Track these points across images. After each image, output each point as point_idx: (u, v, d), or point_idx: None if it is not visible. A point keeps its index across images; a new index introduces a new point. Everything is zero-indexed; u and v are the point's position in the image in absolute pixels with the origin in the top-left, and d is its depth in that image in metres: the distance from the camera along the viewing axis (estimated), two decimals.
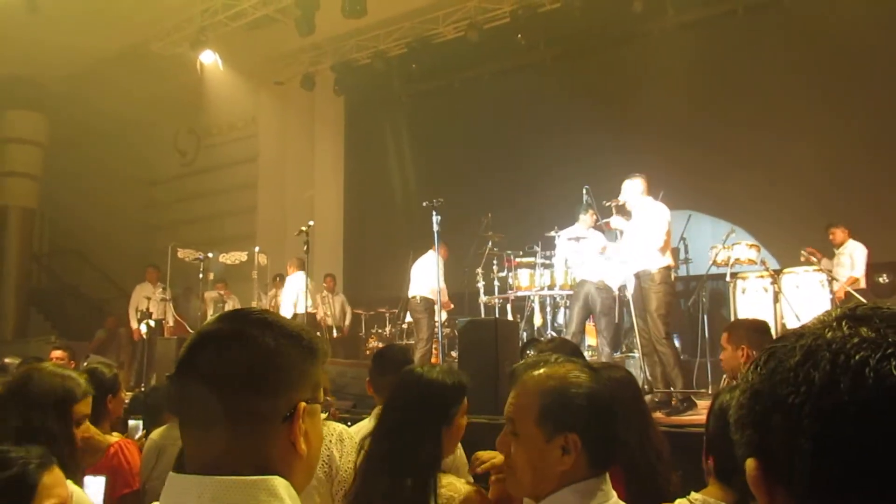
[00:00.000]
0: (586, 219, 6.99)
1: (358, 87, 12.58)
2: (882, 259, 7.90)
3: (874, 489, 0.53)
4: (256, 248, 10.34)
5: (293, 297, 9.52)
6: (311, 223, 8.20)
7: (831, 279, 6.94)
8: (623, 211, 6.05)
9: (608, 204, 5.94)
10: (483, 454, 2.10)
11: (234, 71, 12.13)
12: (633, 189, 5.96)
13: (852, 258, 7.60)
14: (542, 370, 1.58)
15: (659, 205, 5.98)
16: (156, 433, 3.16)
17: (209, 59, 11.47)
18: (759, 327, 3.54)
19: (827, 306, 6.73)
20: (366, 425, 2.72)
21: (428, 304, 8.03)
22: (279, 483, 0.97)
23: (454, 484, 2.04)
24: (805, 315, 6.58)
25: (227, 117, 13.71)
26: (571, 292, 7.65)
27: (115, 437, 2.94)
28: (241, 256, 10.49)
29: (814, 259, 6.97)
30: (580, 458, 1.50)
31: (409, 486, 1.97)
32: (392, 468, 2.02)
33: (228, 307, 10.70)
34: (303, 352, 1.04)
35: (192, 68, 11.55)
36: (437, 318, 7.44)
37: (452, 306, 8.69)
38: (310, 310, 9.04)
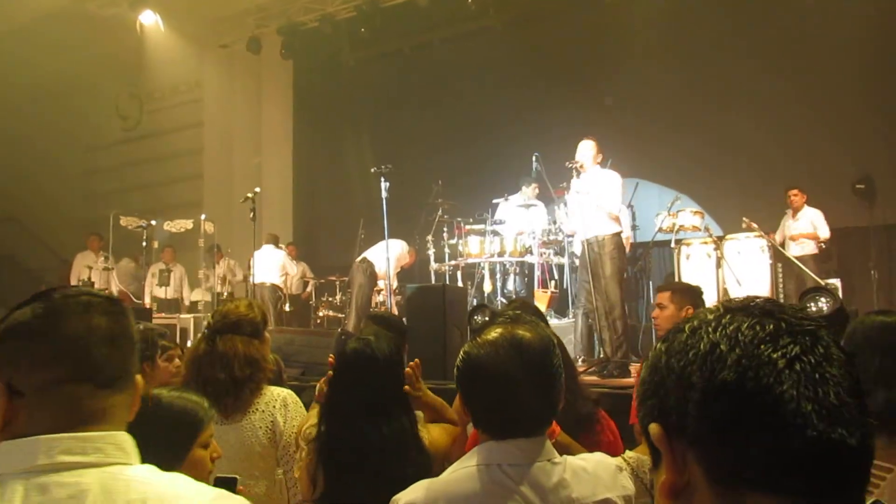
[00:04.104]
0: (528, 190, 7.00)
1: (306, 50, 12.30)
2: None
3: (747, 424, 0.67)
4: (203, 216, 10.12)
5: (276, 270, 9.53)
6: (258, 190, 8.05)
7: (771, 245, 7.12)
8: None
9: (570, 165, 5.75)
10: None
11: (177, 33, 11.74)
12: (587, 151, 5.88)
13: (814, 224, 7.81)
14: None
15: (611, 172, 5.96)
16: None
17: (150, 19, 11.07)
18: (700, 291, 3.63)
19: (766, 272, 6.93)
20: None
21: (373, 273, 8.01)
22: None
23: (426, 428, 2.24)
24: (746, 280, 6.77)
25: (170, 81, 13.28)
26: (521, 259, 7.69)
27: None
28: (187, 224, 10.29)
29: (754, 225, 7.13)
30: (469, 416, 1.62)
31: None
32: (383, 447, 2.04)
33: (175, 276, 10.51)
34: None
35: (133, 29, 11.13)
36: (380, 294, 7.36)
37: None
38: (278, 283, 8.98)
